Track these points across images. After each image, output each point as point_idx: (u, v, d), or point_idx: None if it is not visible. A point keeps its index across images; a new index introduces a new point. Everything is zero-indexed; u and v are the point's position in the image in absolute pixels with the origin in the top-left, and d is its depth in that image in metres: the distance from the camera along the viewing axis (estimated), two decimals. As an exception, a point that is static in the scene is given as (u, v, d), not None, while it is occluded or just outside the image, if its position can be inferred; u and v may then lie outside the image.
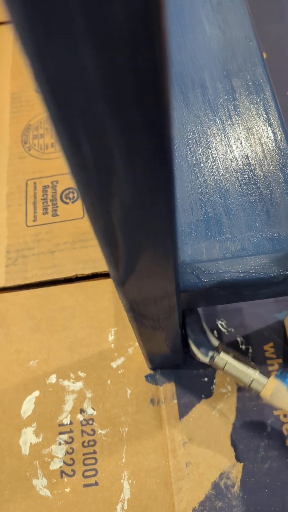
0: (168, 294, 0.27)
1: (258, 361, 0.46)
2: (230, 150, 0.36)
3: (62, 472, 0.42)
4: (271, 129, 0.36)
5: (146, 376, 0.46)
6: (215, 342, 0.40)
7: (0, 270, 0.52)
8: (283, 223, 0.32)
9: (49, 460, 0.43)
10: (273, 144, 0.36)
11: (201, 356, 0.39)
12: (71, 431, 0.44)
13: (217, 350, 0.39)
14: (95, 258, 0.52)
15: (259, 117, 0.37)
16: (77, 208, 0.55)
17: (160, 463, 0.42)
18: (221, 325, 0.48)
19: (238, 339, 0.47)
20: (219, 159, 0.35)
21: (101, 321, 0.49)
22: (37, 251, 0.53)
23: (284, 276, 0.30)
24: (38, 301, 0.51)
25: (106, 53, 0.11)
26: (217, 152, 0.36)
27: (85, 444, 0.43)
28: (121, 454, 0.43)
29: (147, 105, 0.13)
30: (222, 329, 0.48)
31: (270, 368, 0.46)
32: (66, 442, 0.43)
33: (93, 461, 0.42)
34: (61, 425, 0.44)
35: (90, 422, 0.44)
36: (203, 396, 0.45)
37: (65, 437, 0.44)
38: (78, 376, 0.46)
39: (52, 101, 0.12)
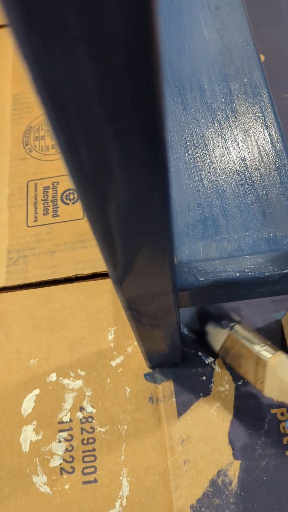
0: (165, 292, 0.27)
1: (255, 360, 0.47)
2: (227, 152, 0.36)
3: (61, 469, 0.43)
4: (267, 131, 0.37)
5: (145, 375, 0.46)
6: (235, 317, 0.44)
7: (1, 270, 0.52)
8: (279, 224, 0.33)
9: (49, 457, 0.43)
10: (270, 146, 0.36)
11: (219, 331, 0.43)
12: (70, 428, 0.44)
13: (238, 322, 0.44)
14: (95, 258, 0.52)
15: (256, 119, 0.38)
16: (77, 209, 0.56)
17: (159, 460, 0.43)
18: (219, 324, 0.49)
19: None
20: (217, 160, 0.36)
21: (101, 320, 0.50)
22: (37, 251, 0.53)
23: (279, 275, 0.30)
24: (39, 300, 0.51)
25: (101, 60, 0.12)
26: (215, 153, 0.36)
27: (85, 441, 0.44)
28: (120, 452, 0.43)
29: (141, 110, 0.14)
30: (220, 329, 0.48)
31: (267, 367, 0.46)
32: (65, 440, 0.44)
33: (93, 458, 0.43)
34: (61, 422, 0.45)
35: (90, 420, 0.45)
36: (201, 394, 0.45)
37: (64, 434, 0.44)
38: (78, 375, 0.47)
39: (49, 105, 0.13)
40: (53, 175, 0.58)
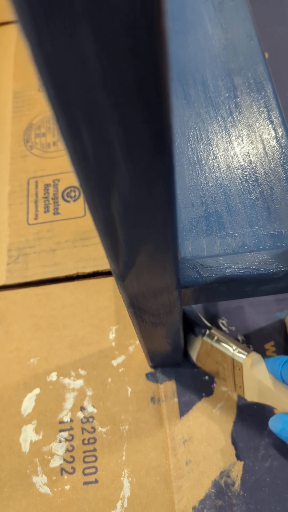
0: (168, 289, 0.27)
1: (259, 359, 0.46)
2: (231, 147, 0.36)
3: (62, 469, 0.42)
4: (272, 127, 0.36)
5: (147, 375, 0.46)
6: (206, 323, 0.42)
7: (1, 268, 0.52)
8: (284, 220, 0.32)
9: (49, 457, 0.43)
10: (274, 141, 0.36)
11: (193, 339, 0.42)
12: (71, 428, 0.44)
13: (209, 328, 0.42)
14: (96, 257, 0.52)
15: (260, 114, 0.37)
16: (78, 207, 0.55)
17: (160, 461, 0.42)
18: (222, 323, 0.48)
19: (239, 337, 0.47)
20: (220, 156, 0.35)
21: (102, 319, 0.49)
22: (38, 249, 0.53)
23: (284, 272, 0.30)
24: (39, 299, 0.51)
25: (105, 37, 0.11)
26: (218, 149, 0.36)
27: (85, 441, 0.43)
28: (121, 452, 0.43)
29: (146, 92, 0.13)
30: (223, 328, 0.48)
31: (271, 367, 0.45)
32: (66, 440, 0.43)
33: (93, 458, 0.42)
34: (61, 422, 0.44)
35: (91, 420, 0.44)
36: (203, 394, 0.45)
37: (65, 434, 0.44)
38: (78, 374, 0.46)
39: (50, 86, 0.12)
40: (54, 172, 0.57)
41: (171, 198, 0.19)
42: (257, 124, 0.37)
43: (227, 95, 0.38)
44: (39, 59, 0.12)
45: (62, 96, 0.13)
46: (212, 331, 0.41)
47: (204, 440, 0.43)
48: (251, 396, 0.38)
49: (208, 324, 0.42)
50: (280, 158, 0.35)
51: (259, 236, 0.32)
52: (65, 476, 0.42)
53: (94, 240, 0.53)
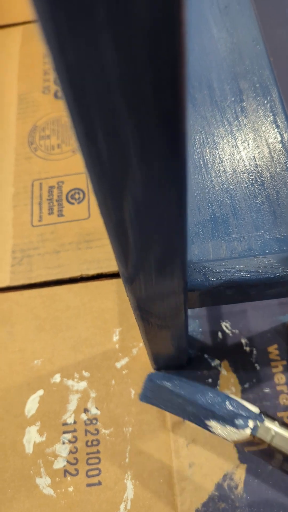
0: (176, 292, 0.27)
1: (262, 362, 0.46)
2: (237, 151, 0.36)
3: (65, 471, 0.42)
4: (278, 131, 0.36)
5: (150, 377, 0.46)
6: (254, 408, 0.33)
7: (6, 269, 0.52)
8: (290, 224, 0.32)
9: (53, 459, 0.43)
10: (280, 146, 0.36)
11: (234, 431, 0.32)
12: (75, 430, 0.44)
13: (258, 417, 0.33)
14: (100, 259, 0.52)
15: (266, 118, 0.37)
16: (82, 209, 0.55)
17: (164, 463, 0.42)
18: (226, 326, 0.48)
19: (243, 340, 0.47)
20: (226, 160, 0.36)
21: (106, 321, 0.49)
22: (42, 251, 0.53)
23: (290, 276, 0.30)
24: (43, 300, 0.51)
25: (125, 46, 0.11)
26: (224, 153, 0.36)
27: (89, 443, 0.43)
28: (124, 454, 0.43)
29: (164, 99, 0.13)
30: (227, 331, 0.48)
31: (274, 370, 0.46)
32: (69, 441, 0.43)
33: (97, 460, 0.42)
34: (65, 424, 0.44)
35: (94, 421, 0.44)
36: (207, 397, 0.45)
37: (69, 436, 0.44)
38: (82, 376, 0.46)
39: (70, 93, 0.13)
40: (58, 174, 0.58)
41: (182, 201, 0.19)
42: (263, 128, 0.37)
43: (233, 99, 0.39)
44: (60, 66, 0.12)
45: (80, 101, 0.13)
46: (266, 423, 0.33)
47: (207, 443, 0.43)
48: None
49: (256, 411, 0.33)
50: (285, 162, 0.35)
51: (265, 240, 0.32)
52: (69, 478, 0.42)
53: (98, 242, 0.53)
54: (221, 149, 0.36)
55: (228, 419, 0.33)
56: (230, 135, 0.37)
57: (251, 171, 0.35)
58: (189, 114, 0.38)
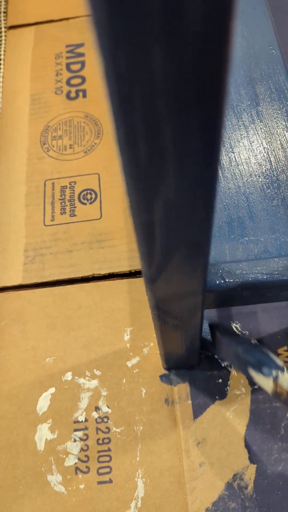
0: (195, 293, 0.27)
1: (272, 364, 0.46)
2: (252, 155, 0.37)
3: (76, 468, 0.43)
4: (294, 135, 0.37)
5: (161, 376, 0.46)
6: (279, 362, 0.34)
7: (18, 268, 0.52)
8: (306, 227, 0.33)
9: (64, 456, 0.43)
10: (296, 150, 0.36)
11: (261, 377, 0.33)
12: (86, 428, 0.44)
13: (281, 369, 0.34)
14: (111, 259, 0.52)
15: (281, 122, 0.38)
16: (94, 209, 0.56)
17: (174, 462, 0.43)
18: (236, 327, 0.49)
19: (253, 342, 0.48)
20: (243, 163, 0.36)
21: (117, 321, 0.50)
22: (54, 250, 0.53)
23: (306, 278, 0.30)
24: (55, 299, 0.51)
25: (175, 57, 0.12)
26: (241, 156, 0.36)
27: (100, 441, 0.44)
28: (135, 453, 0.43)
29: (206, 108, 0.14)
30: (237, 332, 0.48)
31: (284, 372, 0.46)
32: (81, 439, 0.44)
33: (108, 458, 0.43)
34: (76, 422, 0.45)
35: (105, 420, 0.45)
36: (217, 397, 0.45)
37: (80, 434, 0.44)
38: (93, 374, 0.47)
39: (116, 98, 0.13)
40: (70, 175, 0.58)
41: (210, 206, 0.19)
42: (278, 131, 0.37)
43: (249, 103, 0.39)
44: (110, 74, 0.12)
45: (125, 107, 0.13)
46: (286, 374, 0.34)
47: (217, 443, 0.43)
48: None
49: (281, 364, 0.35)
50: (301, 166, 0.36)
51: (281, 242, 0.32)
52: (80, 475, 0.42)
53: (110, 242, 0.54)
54: (237, 153, 0.37)
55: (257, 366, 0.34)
56: (246, 139, 0.37)
57: (267, 175, 0.35)
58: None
